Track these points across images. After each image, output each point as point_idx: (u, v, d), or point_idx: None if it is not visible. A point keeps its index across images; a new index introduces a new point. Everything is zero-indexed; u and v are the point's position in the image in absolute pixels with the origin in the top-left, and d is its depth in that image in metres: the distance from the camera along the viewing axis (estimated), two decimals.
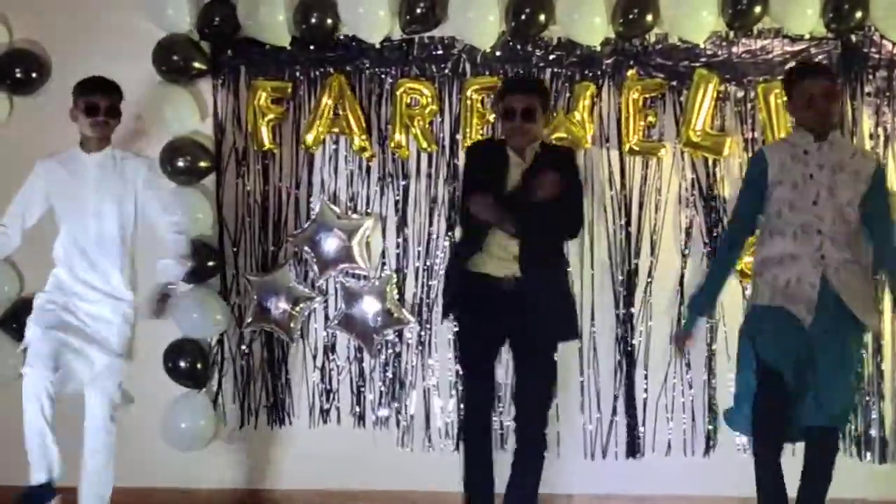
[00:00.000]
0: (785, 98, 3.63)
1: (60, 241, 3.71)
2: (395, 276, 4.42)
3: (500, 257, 3.49)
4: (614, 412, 4.36)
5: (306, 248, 4.44)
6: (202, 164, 4.43)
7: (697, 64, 4.26)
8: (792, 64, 4.07)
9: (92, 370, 3.62)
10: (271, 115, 4.43)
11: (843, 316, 3.35)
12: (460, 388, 4.34)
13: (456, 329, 3.92)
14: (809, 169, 3.40)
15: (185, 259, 3.82)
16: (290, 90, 4.43)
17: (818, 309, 3.33)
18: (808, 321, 3.34)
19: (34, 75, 4.48)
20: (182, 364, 4.39)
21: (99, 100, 3.62)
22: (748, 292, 3.88)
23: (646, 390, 4.36)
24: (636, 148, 4.30)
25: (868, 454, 4.24)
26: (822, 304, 3.33)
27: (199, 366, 4.42)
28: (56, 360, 3.52)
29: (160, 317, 3.76)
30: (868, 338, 4.14)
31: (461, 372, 3.85)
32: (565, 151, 3.83)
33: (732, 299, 4.19)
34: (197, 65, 4.40)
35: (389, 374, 4.46)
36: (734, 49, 4.27)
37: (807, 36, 4.22)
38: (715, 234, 4.29)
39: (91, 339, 3.63)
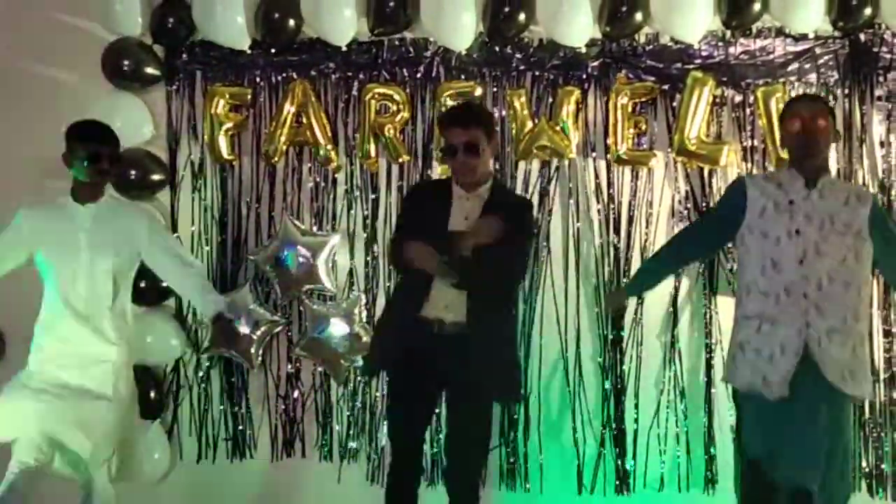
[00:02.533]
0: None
1: (46, 303, 3.47)
2: (363, 297, 4.15)
3: (438, 301, 3.20)
4: (602, 444, 4.05)
5: (268, 267, 4.17)
6: (155, 177, 4.19)
7: (691, 66, 3.96)
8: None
9: (84, 450, 3.36)
10: (230, 124, 4.18)
11: (823, 389, 3.03)
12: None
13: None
14: (795, 223, 3.08)
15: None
16: (249, 97, 4.19)
17: (795, 383, 3.03)
18: (784, 394, 3.04)
19: None
20: None
21: (100, 147, 3.38)
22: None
23: (636, 420, 4.05)
24: (625, 157, 4.01)
25: (880, 490, 3.91)
26: (800, 377, 3.03)
27: (152, 394, 4.19)
28: (43, 448, 3.32)
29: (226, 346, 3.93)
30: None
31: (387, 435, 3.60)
32: (519, 201, 3.54)
33: (729, 317, 3.76)
34: (149, 70, 4.15)
35: (358, 404, 4.19)
36: (731, 50, 3.97)
37: (811, 35, 3.92)
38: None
39: (81, 417, 3.35)
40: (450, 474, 3.36)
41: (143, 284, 4.04)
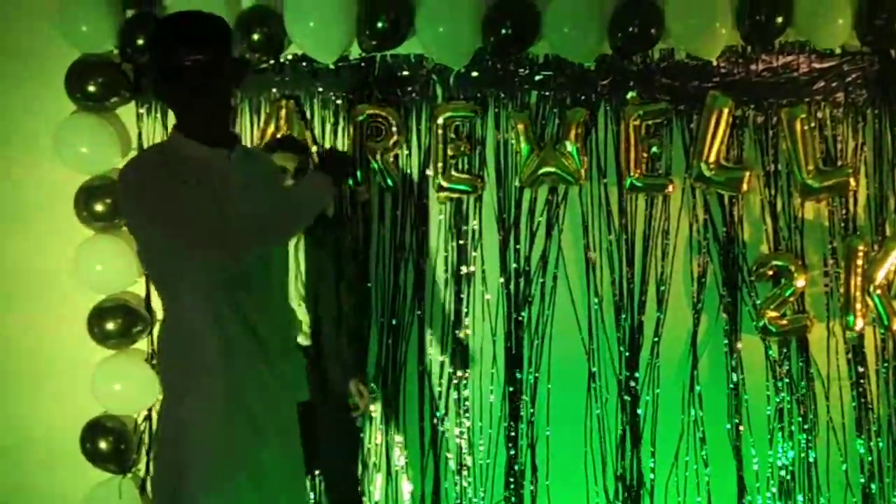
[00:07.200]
0: None
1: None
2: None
3: None
4: (616, 496, 3.73)
5: None
6: None
7: (709, 84, 3.68)
8: None
9: None
10: None
11: None
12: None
13: None
14: None
15: None
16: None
17: None
18: None
19: None
20: (103, 445, 3.77)
21: None
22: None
23: (653, 470, 3.74)
24: (638, 184, 3.70)
25: None
26: None
27: (122, 447, 3.80)
28: None
29: None
30: None
31: None
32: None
33: (754, 359, 3.70)
34: (117, 90, 3.76)
35: None
36: (752, 67, 3.69)
37: (837, 51, 3.65)
38: (733, 284, 3.69)
39: None
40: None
41: (110, 325, 3.73)
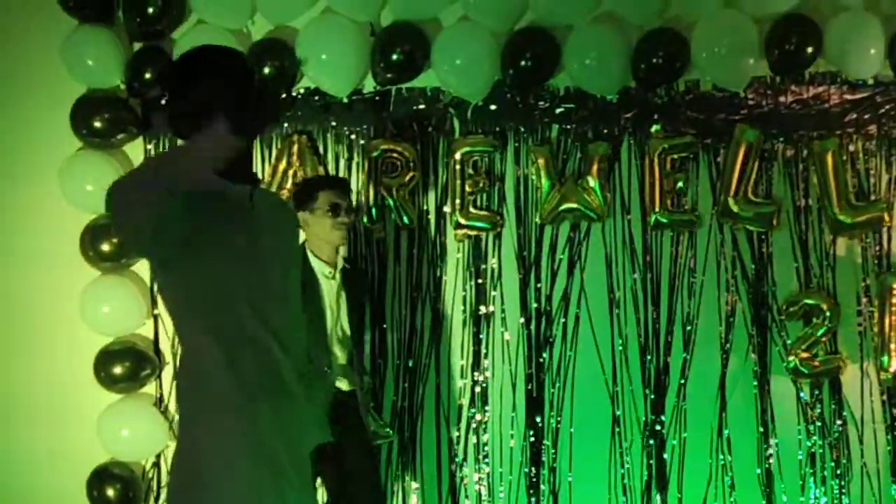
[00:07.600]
0: None
1: None
2: (370, 378, 3.66)
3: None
4: None
5: None
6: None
7: (737, 117, 3.59)
8: None
9: None
10: None
11: None
12: None
13: None
14: None
15: None
16: None
17: None
18: None
19: None
20: (110, 493, 3.66)
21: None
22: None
23: None
24: (664, 220, 3.61)
25: None
26: None
27: (130, 494, 3.69)
28: None
29: None
30: None
31: None
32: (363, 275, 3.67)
33: (785, 401, 3.60)
34: (125, 126, 3.67)
35: None
36: (782, 98, 3.60)
37: (870, 81, 3.56)
38: (763, 324, 3.58)
39: None
40: None
41: (117, 369, 3.62)
